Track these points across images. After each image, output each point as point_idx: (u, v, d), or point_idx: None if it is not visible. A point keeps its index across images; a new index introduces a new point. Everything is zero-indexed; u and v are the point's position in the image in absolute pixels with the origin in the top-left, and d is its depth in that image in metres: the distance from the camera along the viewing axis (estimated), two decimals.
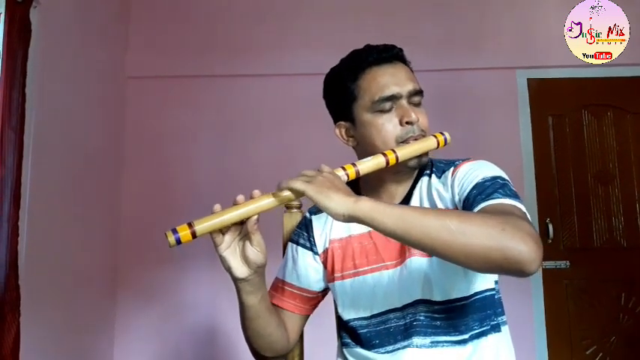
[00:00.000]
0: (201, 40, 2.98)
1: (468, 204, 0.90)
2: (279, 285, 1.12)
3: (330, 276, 1.07)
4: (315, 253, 1.09)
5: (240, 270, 0.89)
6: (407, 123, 0.98)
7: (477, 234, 0.74)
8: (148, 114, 2.93)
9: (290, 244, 1.14)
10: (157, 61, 2.96)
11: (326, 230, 1.09)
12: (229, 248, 0.88)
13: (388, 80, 0.99)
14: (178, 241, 0.80)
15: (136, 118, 2.93)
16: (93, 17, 2.56)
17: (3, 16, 1.85)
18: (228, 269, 0.89)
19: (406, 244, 0.79)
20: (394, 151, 0.95)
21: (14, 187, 1.80)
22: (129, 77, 2.94)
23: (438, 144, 0.99)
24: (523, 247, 0.73)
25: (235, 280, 0.91)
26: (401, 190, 1.05)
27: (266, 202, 0.84)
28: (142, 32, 3.00)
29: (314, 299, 1.12)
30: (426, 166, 1.04)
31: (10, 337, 1.72)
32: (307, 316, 1.14)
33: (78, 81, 2.40)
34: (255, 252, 0.88)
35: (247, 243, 0.88)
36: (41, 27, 2.05)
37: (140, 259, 2.79)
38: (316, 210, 1.12)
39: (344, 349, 1.09)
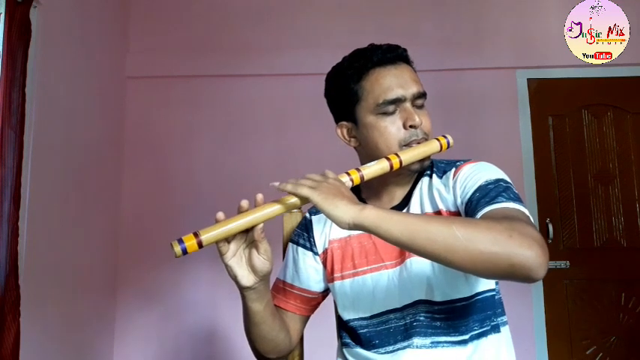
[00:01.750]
0: (201, 40, 2.98)
1: (471, 207, 0.89)
2: (281, 286, 1.12)
3: (329, 276, 1.07)
4: (315, 253, 1.09)
5: (247, 278, 0.88)
6: (410, 127, 0.98)
7: (483, 241, 0.73)
8: (147, 114, 2.93)
9: (290, 244, 1.14)
10: (157, 61, 2.96)
11: (326, 230, 1.09)
12: (235, 257, 0.87)
13: (392, 82, 0.98)
14: (184, 252, 0.78)
15: (136, 118, 2.92)
16: (93, 17, 2.56)
17: (3, 16, 1.85)
18: (234, 278, 0.88)
19: (412, 251, 0.79)
20: (398, 156, 0.94)
21: (14, 187, 1.79)
22: (129, 77, 2.94)
23: (441, 147, 0.99)
24: (530, 253, 0.72)
25: (241, 288, 0.90)
26: (401, 191, 1.05)
27: (272, 209, 0.84)
28: (142, 32, 3.00)
29: (315, 300, 1.12)
30: (426, 167, 1.04)
31: (10, 337, 1.72)
32: (308, 317, 1.14)
33: (78, 81, 2.40)
34: (262, 260, 0.87)
35: (254, 251, 0.87)
36: (41, 27, 2.05)
37: (140, 259, 2.79)
38: (316, 210, 1.12)
39: (344, 349, 1.09)
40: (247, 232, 0.86)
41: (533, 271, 0.73)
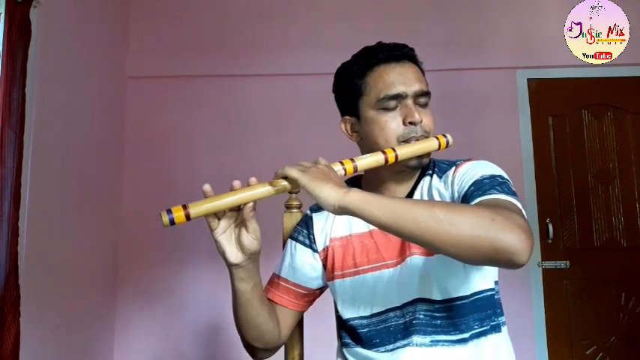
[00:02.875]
0: (201, 40, 2.98)
1: (465, 200, 0.90)
2: (275, 280, 1.13)
3: (330, 274, 1.08)
4: (315, 250, 1.09)
5: (235, 256, 0.90)
6: (410, 123, 0.98)
7: (465, 223, 0.74)
8: (148, 114, 2.93)
9: (289, 240, 1.14)
10: (157, 61, 2.96)
11: (327, 229, 1.09)
12: (225, 233, 0.89)
13: (395, 79, 0.99)
14: (172, 222, 0.81)
15: (136, 118, 2.93)
16: (93, 17, 2.56)
17: (3, 16, 1.85)
18: (222, 254, 0.90)
19: (396, 234, 0.80)
20: (394, 150, 0.95)
21: (14, 187, 1.80)
22: (129, 77, 2.94)
23: (440, 146, 0.99)
24: (512, 237, 0.73)
25: (229, 265, 0.92)
26: (402, 190, 1.05)
27: (262, 190, 0.86)
28: (142, 32, 3.00)
29: (309, 296, 1.12)
30: (428, 167, 1.05)
31: (10, 337, 1.72)
32: (301, 313, 1.14)
33: (78, 81, 2.40)
34: (250, 239, 0.89)
35: (243, 230, 0.89)
36: (41, 27, 2.05)
37: (140, 259, 2.79)
38: (317, 207, 1.13)
39: (344, 349, 1.09)
40: (238, 210, 0.88)
41: (516, 256, 0.73)
